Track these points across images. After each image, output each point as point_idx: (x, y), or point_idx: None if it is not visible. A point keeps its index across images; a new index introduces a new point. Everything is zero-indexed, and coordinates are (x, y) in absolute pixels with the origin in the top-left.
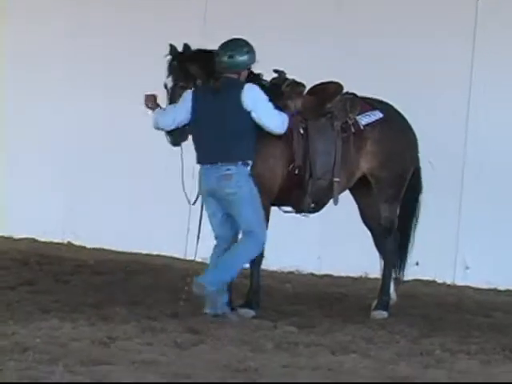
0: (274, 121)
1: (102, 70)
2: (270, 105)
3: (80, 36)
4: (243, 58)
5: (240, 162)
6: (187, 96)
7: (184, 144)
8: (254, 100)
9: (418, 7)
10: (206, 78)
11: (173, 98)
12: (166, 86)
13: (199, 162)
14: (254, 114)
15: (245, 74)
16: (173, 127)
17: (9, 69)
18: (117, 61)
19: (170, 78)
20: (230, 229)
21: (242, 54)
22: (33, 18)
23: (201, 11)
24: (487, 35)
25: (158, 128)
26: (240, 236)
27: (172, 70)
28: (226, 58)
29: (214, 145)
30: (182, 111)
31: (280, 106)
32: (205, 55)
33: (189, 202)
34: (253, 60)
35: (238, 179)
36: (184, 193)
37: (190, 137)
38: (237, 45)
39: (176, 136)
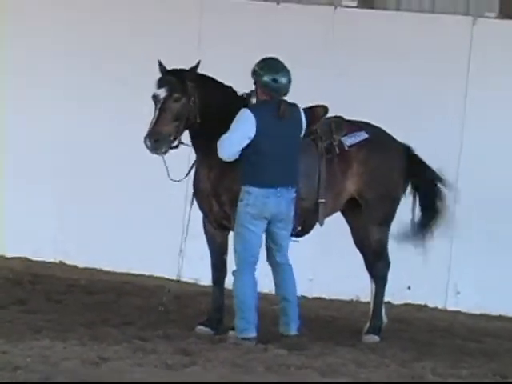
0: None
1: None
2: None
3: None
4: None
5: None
6: (248, 119)
7: None
8: (305, 123)
9: (411, 26)
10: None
11: (163, 107)
12: (156, 98)
13: (264, 185)
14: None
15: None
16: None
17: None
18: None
19: (164, 89)
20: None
21: (289, 79)
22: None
23: (195, 30)
24: (482, 54)
25: (225, 159)
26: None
27: (166, 82)
28: (285, 81)
29: (283, 168)
30: (246, 137)
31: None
32: (201, 78)
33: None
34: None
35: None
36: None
37: None
38: (285, 68)
39: (160, 145)
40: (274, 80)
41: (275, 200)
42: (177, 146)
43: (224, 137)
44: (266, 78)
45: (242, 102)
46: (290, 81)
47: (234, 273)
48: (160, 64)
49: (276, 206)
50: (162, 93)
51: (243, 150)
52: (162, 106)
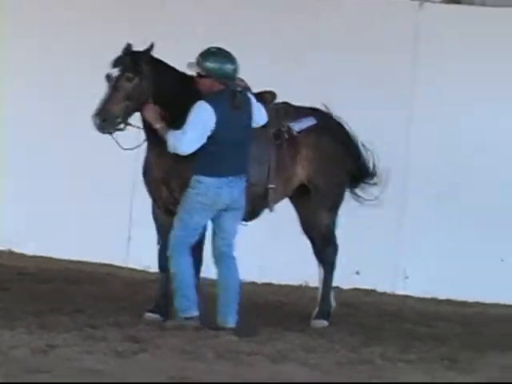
0: (263, 119)
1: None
2: (258, 104)
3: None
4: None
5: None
6: (207, 112)
7: None
8: (255, 108)
9: (357, 11)
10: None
11: (115, 86)
12: (108, 77)
13: (216, 175)
14: (253, 123)
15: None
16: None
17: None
18: None
19: (117, 69)
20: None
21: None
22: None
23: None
24: (428, 39)
25: (180, 153)
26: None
27: (121, 62)
28: (231, 67)
29: (236, 158)
30: (208, 131)
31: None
32: (155, 61)
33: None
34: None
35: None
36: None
37: None
38: (230, 55)
39: (109, 124)
40: (222, 67)
41: (228, 190)
42: (123, 128)
43: (183, 133)
44: (212, 65)
45: (195, 88)
46: (236, 67)
47: (169, 254)
48: (128, 45)
49: (229, 196)
50: (115, 72)
51: None
52: (114, 84)
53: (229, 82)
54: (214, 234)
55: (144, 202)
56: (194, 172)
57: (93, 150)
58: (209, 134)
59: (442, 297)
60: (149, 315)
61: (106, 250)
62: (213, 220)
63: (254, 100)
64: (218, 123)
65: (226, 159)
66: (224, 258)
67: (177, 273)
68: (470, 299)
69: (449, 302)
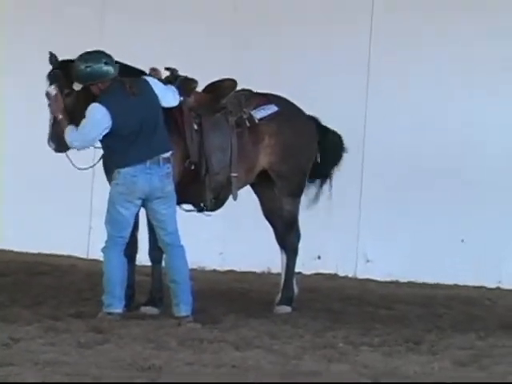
0: (173, 100)
1: None
2: (165, 87)
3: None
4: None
5: (168, 157)
6: (100, 112)
7: None
8: (160, 90)
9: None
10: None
11: None
12: (48, 95)
13: (130, 164)
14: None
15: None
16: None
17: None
18: None
19: (54, 86)
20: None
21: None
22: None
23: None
24: (384, 22)
25: (73, 147)
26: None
27: (55, 78)
28: (100, 65)
29: (149, 141)
30: (103, 128)
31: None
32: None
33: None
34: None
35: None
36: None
37: None
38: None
39: (63, 145)
40: (93, 71)
41: (145, 177)
42: None
43: (76, 130)
44: (84, 74)
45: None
46: (106, 61)
47: (102, 249)
48: (51, 56)
49: (147, 183)
50: (53, 90)
51: (105, 140)
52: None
53: (110, 79)
54: (153, 226)
55: (104, 192)
56: (114, 166)
57: None
58: (108, 129)
59: (403, 279)
60: (145, 308)
61: (67, 241)
62: (148, 213)
63: (156, 84)
64: (114, 117)
65: (137, 146)
66: (168, 248)
67: (105, 269)
68: (431, 281)
69: (410, 284)
